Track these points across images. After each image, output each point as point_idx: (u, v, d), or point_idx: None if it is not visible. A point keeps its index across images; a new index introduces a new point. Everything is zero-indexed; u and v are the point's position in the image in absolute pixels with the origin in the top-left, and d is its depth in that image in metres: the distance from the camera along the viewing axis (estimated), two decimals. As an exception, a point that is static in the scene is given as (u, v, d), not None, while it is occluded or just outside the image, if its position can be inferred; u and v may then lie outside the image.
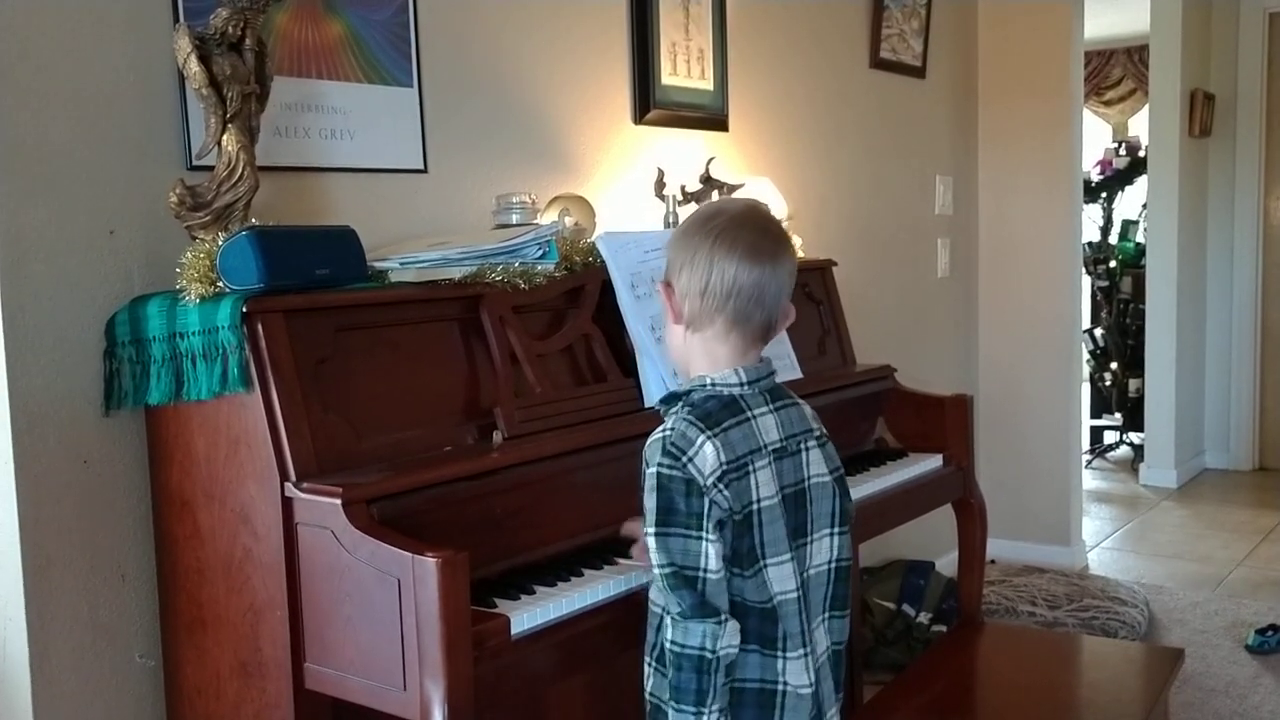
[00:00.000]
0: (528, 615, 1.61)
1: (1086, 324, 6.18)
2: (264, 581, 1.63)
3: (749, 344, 1.56)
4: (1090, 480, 5.82)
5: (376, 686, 1.51)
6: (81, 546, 1.77)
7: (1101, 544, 4.83)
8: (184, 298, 1.67)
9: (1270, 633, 3.55)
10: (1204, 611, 3.91)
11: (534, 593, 1.68)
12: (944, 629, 3.39)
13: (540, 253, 2.00)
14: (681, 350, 1.59)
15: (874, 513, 2.37)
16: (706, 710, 1.44)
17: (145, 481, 1.82)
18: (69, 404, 1.75)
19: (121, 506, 1.81)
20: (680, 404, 1.54)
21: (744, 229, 1.53)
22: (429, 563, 1.43)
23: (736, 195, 2.68)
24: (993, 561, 4.12)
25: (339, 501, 1.53)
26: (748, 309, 1.53)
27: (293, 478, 1.59)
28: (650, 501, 1.48)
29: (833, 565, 1.60)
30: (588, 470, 1.91)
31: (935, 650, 2.70)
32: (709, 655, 1.44)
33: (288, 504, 1.59)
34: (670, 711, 1.47)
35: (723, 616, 1.45)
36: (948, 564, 3.61)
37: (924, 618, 3.45)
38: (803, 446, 1.58)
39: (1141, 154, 6.25)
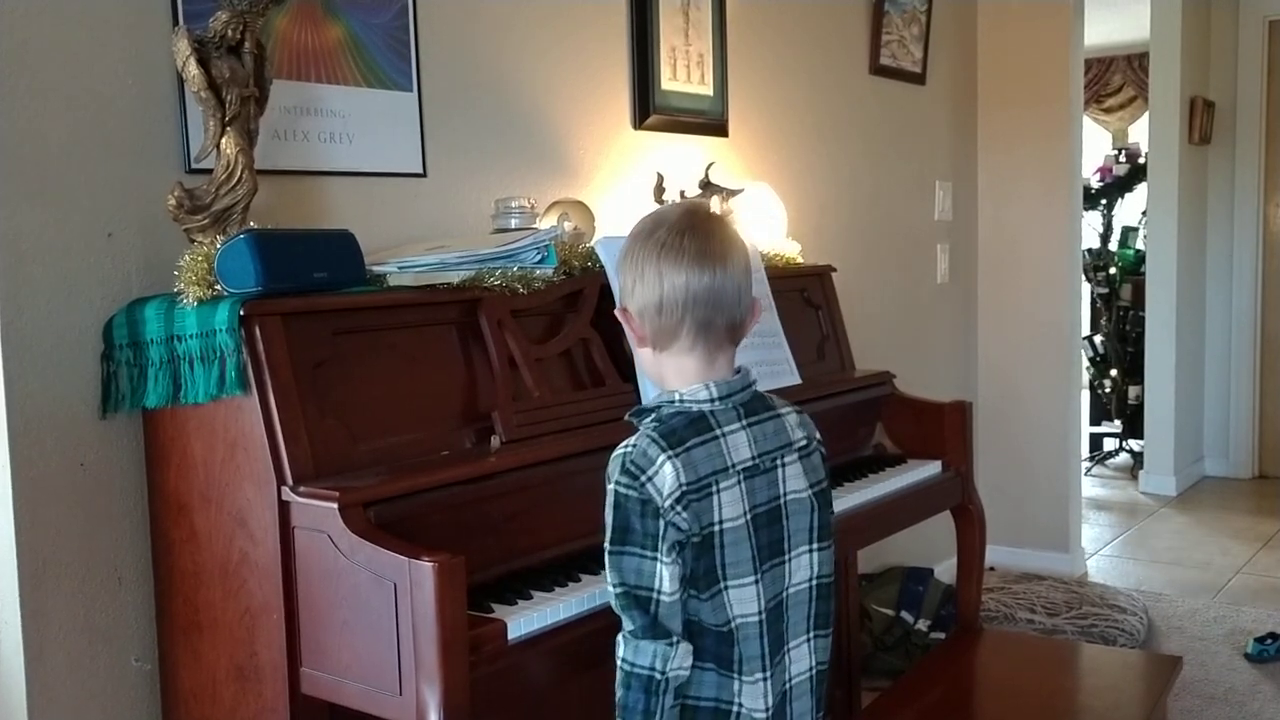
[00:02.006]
0: (524, 620, 1.60)
1: (1086, 331, 6.18)
2: (260, 585, 1.63)
3: (716, 350, 1.51)
4: (1089, 487, 5.82)
5: (372, 691, 1.51)
6: (78, 549, 1.77)
7: (1100, 551, 4.83)
8: (182, 301, 1.67)
9: (1269, 640, 3.54)
10: (1203, 619, 3.90)
11: (531, 598, 1.68)
12: (942, 636, 3.39)
13: (539, 257, 2.00)
14: (654, 368, 1.55)
15: (872, 519, 2.37)
16: None
17: (142, 484, 1.82)
18: (66, 406, 1.75)
19: (118, 509, 1.81)
20: (649, 418, 1.51)
21: (687, 235, 1.48)
22: (425, 567, 1.42)
23: (735, 199, 2.67)
24: (991, 568, 4.12)
25: (335, 505, 1.52)
26: (708, 315, 1.48)
27: (289, 481, 1.58)
28: (608, 518, 1.45)
29: (814, 583, 1.56)
30: (586, 475, 1.90)
31: (933, 657, 2.70)
32: (658, 676, 1.41)
33: (284, 507, 1.59)
34: None
35: (674, 638, 1.42)
36: (946, 570, 3.60)
37: (922, 624, 3.44)
38: (779, 462, 1.53)
39: (1141, 161, 6.25)
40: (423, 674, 1.44)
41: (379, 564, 1.47)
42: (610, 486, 1.45)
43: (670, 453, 1.43)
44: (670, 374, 1.53)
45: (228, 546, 1.67)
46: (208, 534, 1.70)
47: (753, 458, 1.50)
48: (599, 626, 1.70)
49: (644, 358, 1.57)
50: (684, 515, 1.42)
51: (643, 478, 1.42)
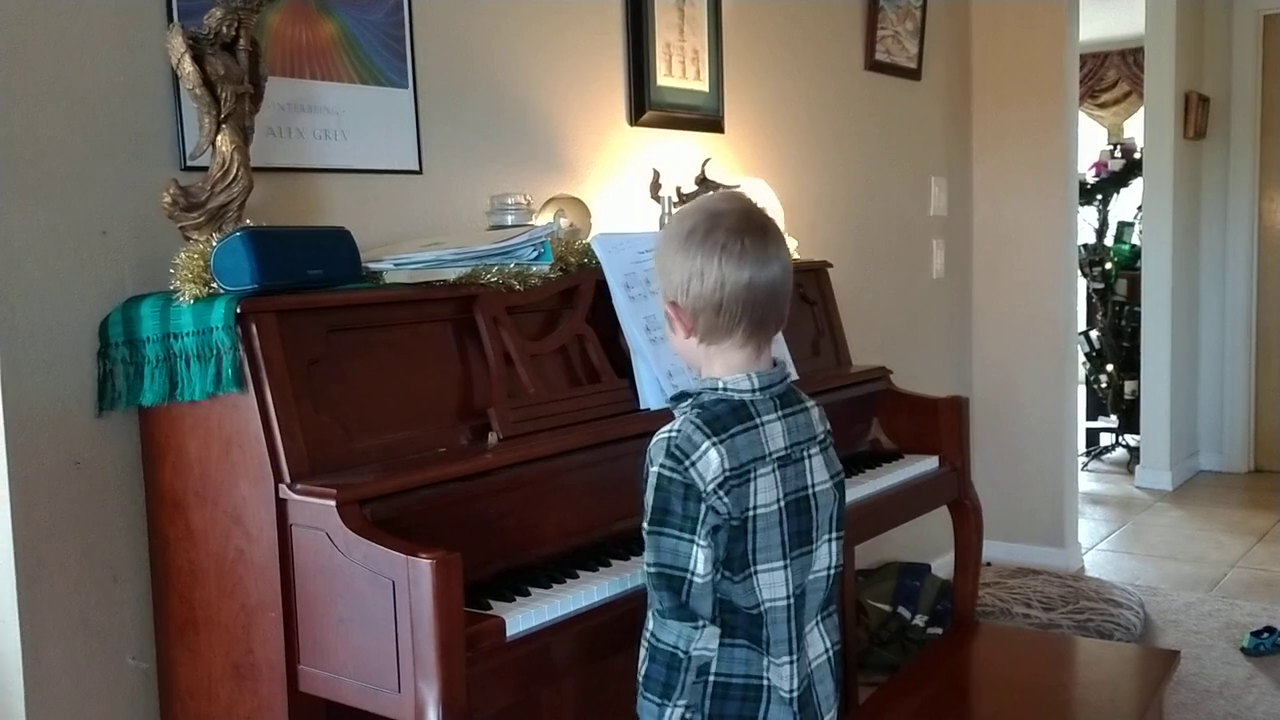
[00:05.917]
0: (522, 617, 1.60)
1: (1082, 326, 6.19)
2: (257, 583, 1.63)
3: (764, 345, 1.56)
4: (1085, 482, 5.82)
5: (370, 688, 1.51)
6: (74, 548, 1.76)
7: (1097, 546, 4.84)
8: (178, 298, 1.67)
9: (1265, 634, 3.55)
10: (1199, 613, 3.91)
11: (529, 594, 1.68)
12: (939, 631, 3.39)
13: (535, 254, 2.00)
14: (695, 355, 1.57)
15: (869, 514, 2.37)
16: (670, 704, 1.47)
17: (138, 482, 1.82)
18: (61, 405, 1.74)
19: (114, 507, 1.81)
20: (689, 404, 1.53)
21: (746, 235, 1.50)
22: (423, 564, 1.42)
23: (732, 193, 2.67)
24: (988, 563, 4.12)
25: (333, 502, 1.52)
26: (764, 314, 1.52)
27: (286, 479, 1.58)
28: (649, 499, 1.48)
29: (830, 571, 1.61)
30: (582, 471, 1.91)
31: (930, 652, 2.70)
32: (681, 654, 1.46)
33: (281, 505, 1.58)
34: (640, 698, 1.49)
35: (701, 622, 1.46)
36: (943, 566, 3.61)
37: (919, 619, 3.44)
38: (806, 454, 1.57)
39: (1136, 156, 6.27)
40: (421, 671, 1.44)
41: (376, 561, 1.47)
42: (653, 469, 1.48)
43: (715, 439, 1.47)
44: (715, 364, 1.56)
45: (224, 544, 1.67)
46: (204, 532, 1.70)
47: (786, 447, 1.55)
48: (597, 623, 1.70)
49: (686, 346, 1.58)
50: (725, 500, 1.46)
51: (687, 462, 1.46)
